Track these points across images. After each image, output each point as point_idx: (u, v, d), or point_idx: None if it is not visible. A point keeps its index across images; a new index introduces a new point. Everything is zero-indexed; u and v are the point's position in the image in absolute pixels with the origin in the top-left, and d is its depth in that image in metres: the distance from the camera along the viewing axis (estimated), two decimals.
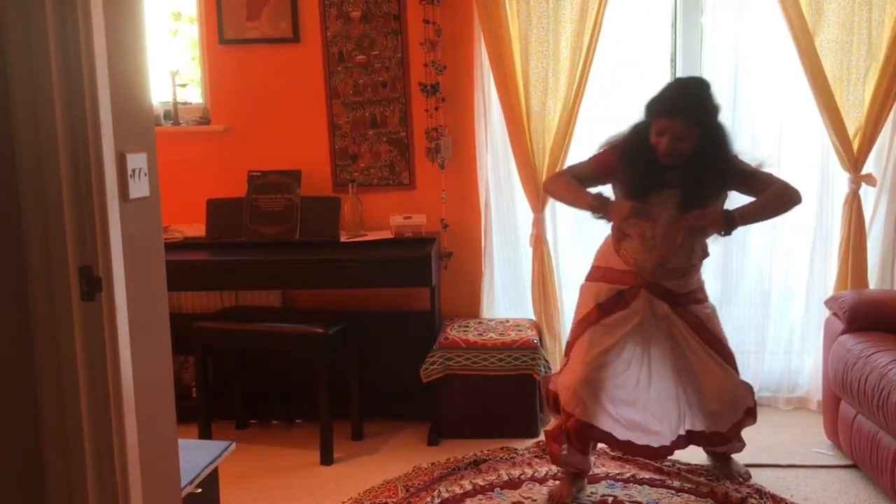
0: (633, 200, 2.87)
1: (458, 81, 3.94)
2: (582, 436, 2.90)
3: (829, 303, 3.46)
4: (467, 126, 3.97)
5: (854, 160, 3.74)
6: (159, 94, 4.01)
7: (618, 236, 3.02)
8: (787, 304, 4.01)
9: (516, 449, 3.49)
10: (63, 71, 1.60)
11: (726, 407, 2.97)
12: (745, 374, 3.94)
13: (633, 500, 3.02)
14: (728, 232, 2.90)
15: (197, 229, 3.98)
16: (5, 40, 1.61)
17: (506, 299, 4.10)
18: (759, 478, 3.19)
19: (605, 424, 2.91)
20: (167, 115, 4.05)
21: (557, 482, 3.11)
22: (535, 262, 3.92)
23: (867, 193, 3.83)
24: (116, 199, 1.71)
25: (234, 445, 2.65)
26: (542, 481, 3.18)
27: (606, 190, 3.05)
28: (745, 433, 3.52)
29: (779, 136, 3.87)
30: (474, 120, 3.95)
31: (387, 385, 3.90)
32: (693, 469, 3.26)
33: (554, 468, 3.22)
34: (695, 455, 3.34)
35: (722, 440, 3.03)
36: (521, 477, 3.23)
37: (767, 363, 3.99)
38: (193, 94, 4.20)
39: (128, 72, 1.81)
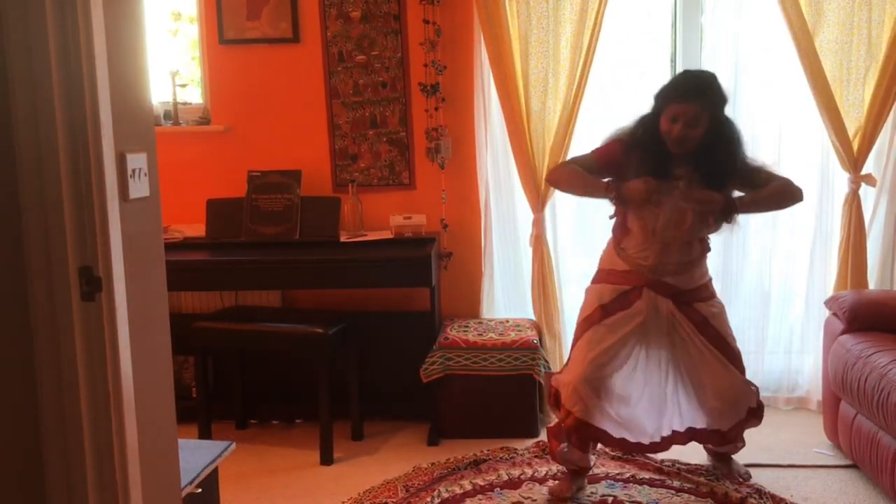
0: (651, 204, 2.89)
1: (458, 81, 3.94)
2: (580, 434, 2.91)
3: (829, 303, 3.46)
4: (467, 126, 3.97)
5: (854, 160, 3.74)
6: (159, 94, 4.01)
7: (618, 236, 3.03)
8: (787, 304, 4.01)
9: (516, 449, 3.49)
10: (63, 71, 1.60)
11: (727, 406, 2.97)
12: (746, 373, 3.96)
13: (633, 500, 3.02)
14: (728, 217, 2.88)
15: (197, 229, 3.98)
16: (5, 40, 1.61)
17: (506, 299, 4.10)
18: (759, 478, 3.19)
19: (602, 423, 2.91)
20: (167, 115, 4.05)
21: (557, 482, 3.11)
22: (535, 262, 3.92)
23: (867, 193, 3.83)
24: (116, 199, 1.71)
25: (234, 445, 2.65)
26: (542, 481, 3.18)
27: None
28: (745, 433, 3.53)
29: (779, 136, 3.87)
30: (474, 120, 3.95)
31: (387, 385, 3.90)
32: (693, 469, 3.26)
33: (554, 468, 3.22)
34: (695, 455, 3.34)
35: (721, 439, 3.03)
36: (521, 477, 3.23)
37: (767, 363, 3.99)
38: (193, 94, 4.20)
39: (128, 72, 1.81)
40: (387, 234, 3.93)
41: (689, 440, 3.07)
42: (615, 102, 3.96)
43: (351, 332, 3.70)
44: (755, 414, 3.04)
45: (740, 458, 3.26)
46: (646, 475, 3.22)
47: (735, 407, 2.98)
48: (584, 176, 2.97)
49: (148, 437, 1.84)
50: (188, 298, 4.07)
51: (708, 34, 3.94)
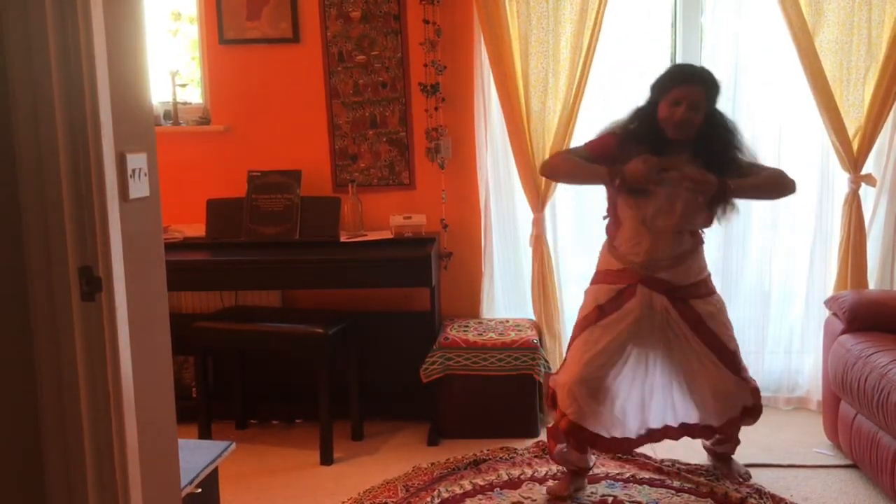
0: (635, 190, 2.85)
1: (458, 81, 3.94)
2: (574, 436, 2.90)
3: (829, 303, 3.46)
4: (467, 126, 3.97)
5: (854, 160, 3.74)
6: (159, 94, 4.01)
7: (612, 234, 3.02)
8: (787, 304, 4.01)
9: (516, 449, 3.49)
10: (63, 71, 1.60)
11: (718, 403, 2.96)
12: (749, 371, 3.96)
13: (633, 500, 3.02)
14: (721, 201, 2.86)
15: (197, 229, 3.98)
16: (5, 40, 1.61)
17: (506, 299, 4.10)
18: (759, 478, 3.19)
19: (597, 427, 2.91)
20: (167, 115, 4.05)
21: (556, 481, 3.11)
22: (535, 262, 3.92)
23: (867, 193, 3.83)
24: (116, 199, 1.71)
25: (234, 445, 2.65)
26: (541, 481, 3.18)
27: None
28: (745, 433, 3.52)
29: (779, 136, 3.87)
30: (474, 120, 3.95)
31: (387, 385, 3.90)
32: (693, 469, 3.26)
33: (554, 468, 3.22)
34: (695, 455, 3.34)
35: (713, 433, 3.04)
36: (521, 477, 3.23)
37: (767, 363, 3.99)
38: (193, 94, 4.20)
39: (128, 72, 1.81)
40: (387, 234, 3.93)
41: (682, 435, 3.08)
42: (615, 102, 3.95)
43: (351, 332, 3.70)
44: (750, 412, 3.02)
45: (740, 457, 3.26)
46: (646, 475, 3.22)
47: (726, 404, 2.97)
48: (581, 163, 2.96)
49: (148, 437, 1.84)
50: (188, 298, 4.07)
51: (708, 34, 3.94)
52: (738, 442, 3.16)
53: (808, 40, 3.67)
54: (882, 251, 3.86)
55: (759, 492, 3.07)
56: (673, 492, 3.08)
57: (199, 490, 2.39)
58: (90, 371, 1.67)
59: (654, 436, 3.05)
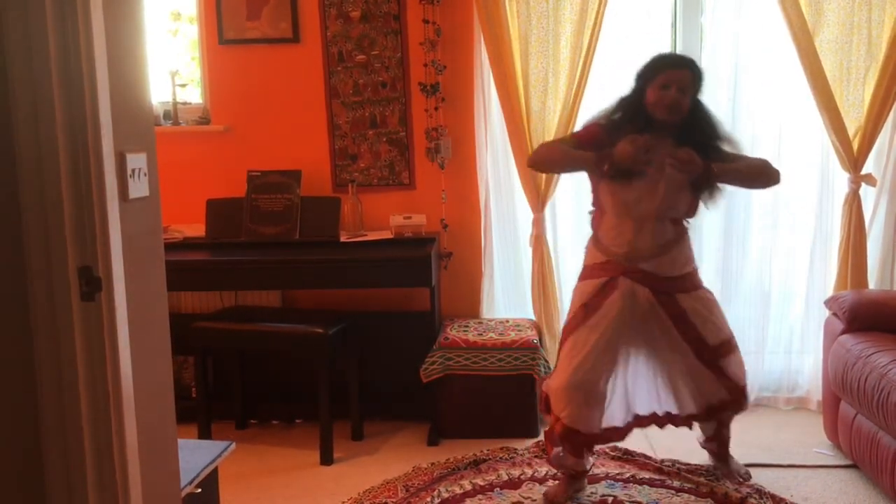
0: (622, 173, 2.82)
1: (458, 81, 3.94)
2: (569, 440, 2.89)
3: (829, 303, 3.46)
4: (467, 126, 3.97)
5: (854, 160, 3.74)
6: (159, 94, 4.01)
7: (595, 225, 3.00)
8: (787, 304, 4.01)
9: (516, 449, 3.49)
10: (63, 71, 1.60)
11: (694, 397, 2.98)
12: (740, 369, 3.95)
13: (633, 500, 3.02)
14: (705, 184, 2.85)
15: (197, 229, 3.98)
16: (5, 40, 1.61)
17: (506, 299, 4.10)
18: (759, 478, 3.19)
19: (591, 429, 2.89)
20: (167, 115, 4.05)
21: (556, 482, 3.11)
22: (535, 262, 3.92)
23: (867, 193, 3.83)
24: (116, 199, 1.71)
25: (233, 445, 2.65)
26: (541, 481, 3.18)
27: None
28: (745, 433, 3.53)
29: (779, 136, 3.87)
30: (474, 120, 3.95)
31: (387, 385, 3.90)
32: (693, 469, 3.26)
33: (554, 468, 3.21)
34: (695, 455, 3.34)
35: (688, 422, 3.05)
36: (521, 477, 3.23)
37: (767, 363, 3.99)
38: (193, 94, 4.20)
39: (128, 72, 1.81)
40: (387, 234, 3.93)
41: (668, 423, 3.08)
42: None
43: (351, 332, 3.70)
44: (728, 406, 3.01)
45: (740, 457, 3.26)
46: (646, 475, 3.22)
47: (702, 398, 2.98)
48: (569, 151, 2.95)
49: (148, 437, 1.84)
50: (188, 298, 4.07)
51: (708, 34, 3.94)
52: (727, 437, 3.14)
53: (808, 40, 3.67)
54: (882, 251, 3.86)
55: (759, 492, 3.06)
56: (673, 492, 3.08)
57: (199, 490, 2.39)
58: (90, 371, 1.67)
59: (641, 422, 3.05)
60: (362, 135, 4.04)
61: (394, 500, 3.08)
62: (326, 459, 3.49)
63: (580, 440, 2.90)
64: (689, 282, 2.99)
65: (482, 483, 3.18)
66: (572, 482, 3.03)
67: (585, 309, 2.93)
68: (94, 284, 1.65)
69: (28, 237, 1.64)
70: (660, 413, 3.06)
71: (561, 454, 2.99)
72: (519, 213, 4.00)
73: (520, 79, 3.81)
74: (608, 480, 3.17)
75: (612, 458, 3.38)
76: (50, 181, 1.61)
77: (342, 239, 3.86)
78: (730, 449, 3.21)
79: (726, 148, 2.95)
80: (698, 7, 3.95)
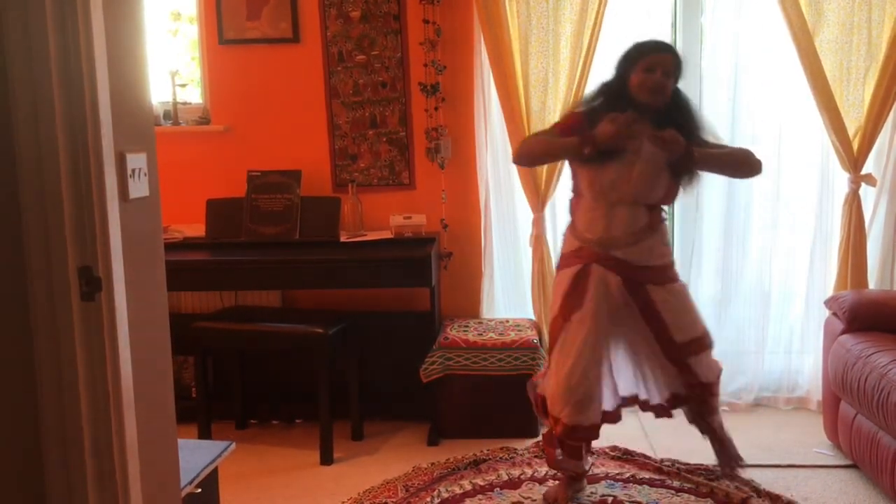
0: (604, 154, 2.78)
1: (458, 81, 3.94)
2: (572, 437, 2.87)
3: (829, 303, 3.46)
4: (467, 126, 3.97)
5: (854, 160, 3.74)
6: (159, 94, 4.01)
7: (572, 210, 2.98)
8: (787, 304, 4.01)
9: (516, 449, 3.49)
10: (63, 71, 1.60)
11: (658, 384, 2.98)
12: (745, 374, 3.97)
13: (633, 500, 3.02)
14: (686, 164, 2.80)
15: (197, 229, 3.98)
16: (5, 40, 1.61)
17: (506, 299, 4.10)
18: (759, 478, 3.19)
19: (591, 419, 2.86)
20: (167, 115, 4.05)
21: (556, 482, 3.11)
22: (535, 262, 3.92)
23: (867, 193, 3.83)
24: (116, 199, 1.71)
25: (233, 445, 2.65)
26: (541, 481, 3.18)
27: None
28: (746, 433, 3.54)
29: (779, 136, 3.87)
30: (474, 120, 3.95)
31: (387, 385, 3.90)
32: (693, 469, 3.26)
33: (553, 470, 3.21)
34: (695, 455, 3.34)
35: (664, 412, 3.03)
36: (521, 477, 3.23)
37: (767, 363, 3.99)
38: (193, 94, 4.20)
39: (128, 72, 1.81)
40: (387, 234, 3.93)
41: (647, 410, 3.07)
42: None
43: (351, 332, 3.70)
44: (691, 400, 2.97)
45: (743, 456, 3.26)
46: (646, 475, 3.22)
47: (666, 387, 2.96)
48: (552, 139, 2.94)
49: (148, 437, 1.84)
50: (188, 298, 4.07)
51: (708, 34, 3.94)
52: (724, 439, 3.10)
53: (808, 40, 3.67)
54: (882, 251, 3.86)
55: (759, 491, 3.06)
56: (673, 492, 3.08)
57: (199, 490, 2.39)
58: (90, 371, 1.67)
59: (626, 402, 3.03)
60: (362, 135, 4.04)
61: (394, 500, 3.08)
62: (326, 459, 3.49)
63: (582, 434, 2.88)
64: (663, 273, 2.93)
65: (482, 483, 3.18)
66: (572, 483, 3.03)
67: (567, 302, 2.89)
68: (94, 284, 1.65)
69: (28, 237, 1.64)
70: (641, 396, 3.04)
71: (560, 457, 2.98)
72: (519, 213, 4.00)
73: (520, 79, 3.81)
74: (608, 480, 3.17)
75: (612, 458, 3.38)
76: (50, 181, 1.61)
77: (342, 239, 3.86)
78: (733, 446, 3.16)
79: (707, 137, 2.92)
80: (698, 7, 3.95)
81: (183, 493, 2.20)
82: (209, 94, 4.10)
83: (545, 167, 3.80)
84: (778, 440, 3.58)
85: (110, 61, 1.68)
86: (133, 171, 1.79)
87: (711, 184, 3.92)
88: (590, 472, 3.12)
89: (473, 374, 3.64)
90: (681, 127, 2.83)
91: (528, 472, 3.27)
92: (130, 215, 1.79)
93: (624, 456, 3.39)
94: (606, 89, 2.92)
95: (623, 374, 3.02)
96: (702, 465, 3.28)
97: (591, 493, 3.05)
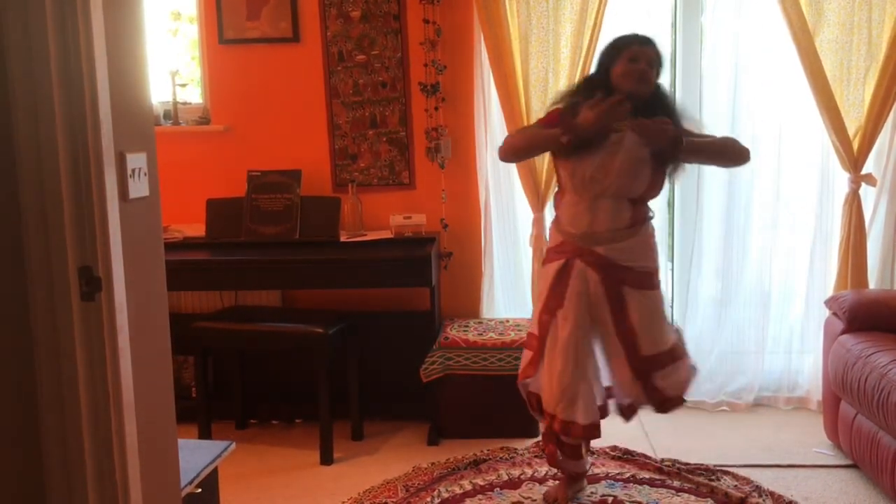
0: (584, 145, 2.74)
1: (458, 81, 3.94)
2: (570, 434, 2.83)
3: (829, 303, 3.46)
4: (467, 126, 3.97)
5: (854, 160, 3.74)
6: (159, 94, 4.01)
7: (556, 205, 2.96)
8: (787, 304, 4.01)
9: (516, 449, 3.49)
10: (63, 71, 1.60)
11: (623, 390, 2.92)
12: (745, 374, 3.97)
13: (633, 500, 3.02)
14: (674, 149, 2.74)
15: (197, 229, 3.98)
16: (5, 40, 1.61)
17: (506, 299, 4.10)
18: (759, 478, 3.19)
19: (587, 418, 2.82)
20: (167, 115, 4.05)
21: (556, 482, 3.11)
22: (535, 261, 3.92)
23: (867, 193, 3.83)
24: (116, 199, 1.71)
25: (233, 445, 2.65)
26: (541, 481, 3.18)
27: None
28: (746, 432, 3.54)
29: (779, 136, 3.87)
30: (474, 120, 3.95)
31: (387, 385, 3.90)
32: (693, 469, 3.26)
33: (553, 468, 3.21)
34: (695, 455, 3.34)
35: (633, 411, 2.98)
36: (521, 477, 3.23)
37: (767, 363, 3.99)
38: (193, 94, 4.20)
39: (128, 72, 1.81)
40: (387, 234, 3.93)
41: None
42: None
43: (351, 332, 3.70)
44: (645, 406, 2.91)
45: (739, 456, 3.26)
46: (646, 475, 3.22)
47: (627, 395, 2.91)
48: (534, 131, 2.92)
49: (148, 436, 1.84)
50: (188, 298, 4.07)
51: (708, 34, 3.94)
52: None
53: (809, 40, 3.67)
54: (882, 251, 3.86)
55: (760, 491, 3.06)
56: (673, 492, 3.08)
57: (199, 490, 2.39)
58: (90, 371, 1.67)
59: (608, 392, 2.99)
60: (362, 135, 4.04)
61: (394, 500, 3.08)
62: (326, 459, 3.49)
63: (581, 433, 2.83)
64: (644, 279, 2.85)
65: (482, 483, 3.18)
66: (572, 482, 3.03)
67: (551, 298, 2.86)
68: (94, 284, 1.65)
69: (28, 237, 1.64)
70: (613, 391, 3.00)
71: (559, 457, 2.97)
72: (519, 212, 4.00)
73: (520, 79, 3.81)
74: (608, 480, 3.17)
75: (612, 458, 3.38)
76: (50, 181, 1.61)
77: (342, 239, 3.86)
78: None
79: (690, 128, 2.88)
80: (698, 7, 3.95)
81: (183, 493, 2.20)
82: (209, 93, 4.10)
83: (545, 167, 3.80)
84: (778, 440, 3.58)
85: (110, 61, 1.68)
86: (133, 170, 1.80)
87: (712, 184, 3.94)
88: (589, 472, 3.12)
89: (473, 373, 3.64)
90: (664, 115, 2.79)
91: (529, 471, 3.27)
92: (130, 215, 1.79)
93: (624, 456, 3.39)
94: (588, 83, 2.90)
95: (603, 367, 2.95)
96: (702, 464, 3.28)
97: (591, 493, 3.06)
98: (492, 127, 3.94)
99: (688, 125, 2.88)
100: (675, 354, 2.89)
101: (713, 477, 3.18)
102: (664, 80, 3.82)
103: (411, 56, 3.95)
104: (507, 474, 3.25)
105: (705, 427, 3.76)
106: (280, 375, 3.98)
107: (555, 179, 3.81)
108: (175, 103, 4.03)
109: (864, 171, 3.78)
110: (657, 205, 3.91)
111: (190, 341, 3.59)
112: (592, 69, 2.93)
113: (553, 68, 3.80)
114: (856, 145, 3.74)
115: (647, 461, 3.34)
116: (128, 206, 1.78)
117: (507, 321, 3.94)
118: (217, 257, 3.79)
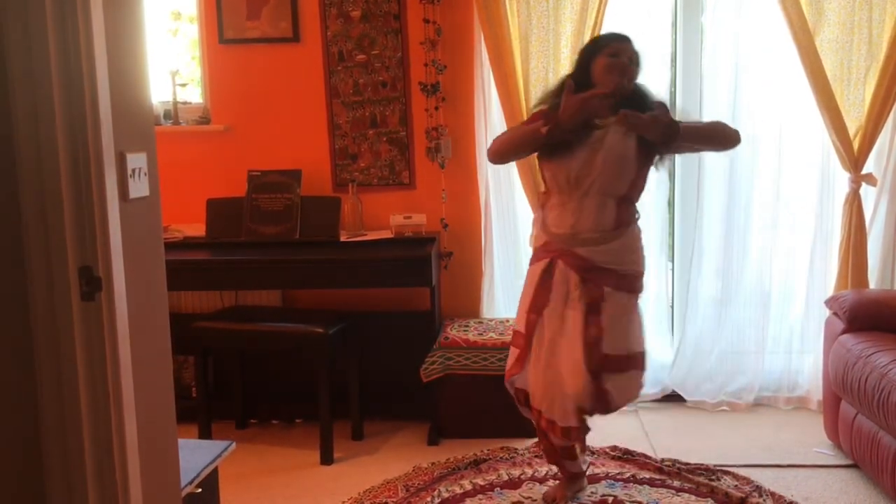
0: (566, 141, 2.71)
1: (458, 81, 3.94)
2: (552, 432, 2.82)
3: (830, 302, 3.46)
4: (467, 126, 3.97)
5: (854, 160, 3.74)
6: (159, 93, 4.01)
7: (542, 204, 2.96)
8: (787, 304, 4.01)
9: (516, 449, 3.49)
10: (63, 71, 1.60)
11: (553, 394, 2.82)
12: (745, 374, 3.97)
13: (633, 500, 3.02)
14: (671, 134, 2.67)
15: (197, 229, 3.98)
16: (5, 40, 1.61)
17: (506, 299, 4.09)
18: (759, 477, 3.19)
19: (566, 421, 2.79)
20: (167, 115, 4.05)
21: (556, 482, 3.11)
22: None
23: (867, 193, 3.83)
24: (116, 199, 1.71)
25: (234, 445, 2.65)
26: (542, 481, 3.18)
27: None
28: (746, 432, 3.54)
29: (779, 136, 3.87)
30: (474, 119, 3.95)
31: (387, 385, 3.90)
32: (693, 469, 3.26)
33: (554, 468, 3.21)
34: (695, 455, 3.34)
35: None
36: (521, 477, 3.23)
37: (767, 363, 3.99)
38: (193, 94, 4.20)
39: (128, 72, 1.81)
40: (387, 234, 3.93)
41: None
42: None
43: (351, 332, 3.70)
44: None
45: (743, 456, 3.25)
46: (646, 475, 3.22)
47: (558, 400, 2.81)
48: (519, 128, 2.92)
49: (148, 436, 1.84)
50: (188, 298, 4.07)
51: (708, 34, 3.94)
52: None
53: (809, 40, 3.67)
54: (882, 251, 3.86)
55: (760, 491, 3.06)
56: (673, 492, 3.08)
57: (199, 490, 2.39)
58: (90, 371, 1.67)
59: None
60: (362, 134, 4.03)
61: (394, 499, 3.08)
62: (326, 459, 3.49)
63: (557, 431, 2.81)
64: (629, 282, 2.81)
65: (482, 483, 3.18)
66: (572, 482, 3.03)
67: (537, 298, 2.85)
68: (94, 284, 1.65)
69: (28, 237, 1.64)
70: None
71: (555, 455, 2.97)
72: (519, 212, 4.00)
73: (520, 78, 3.81)
74: (608, 480, 3.17)
75: (613, 457, 3.38)
76: (50, 181, 1.61)
77: (342, 239, 3.86)
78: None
79: (676, 118, 2.81)
80: (698, 7, 3.95)
81: (183, 493, 2.20)
82: (209, 93, 4.10)
83: None
84: (778, 440, 3.58)
85: (110, 61, 1.68)
86: (133, 170, 1.79)
87: (712, 184, 3.94)
88: (589, 472, 3.12)
89: (474, 373, 3.64)
90: (644, 110, 2.73)
91: (529, 471, 3.27)
92: (130, 215, 1.79)
93: (624, 456, 3.39)
94: (570, 78, 2.85)
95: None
96: (702, 464, 3.28)
97: (592, 493, 3.05)
98: (492, 127, 3.94)
99: (673, 115, 2.86)
100: (633, 363, 2.81)
101: (713, 477, 3.18)
102: (664, 80, 3.90)
103: (411, 56, 3.95)
104: (507, 474, 3.25)
105: (705, 427, 3.76)
106: (280, 375, 3.98)
107: None
108: (175, 103, 4.03)
109: (864, 171, 3.78)
110: (657, 205, 3.97)
111: (190, 341, 3.59)
112: (573, 68, 2.90)
113: (553, 68, 3.80)
114: (856, 145, 3.73)
115: (647, 461, 3.34)
116: (128, 206, 1.78)
117: (508, 321, 3.93)
118: (217, 257, 3.79)
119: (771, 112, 3.87)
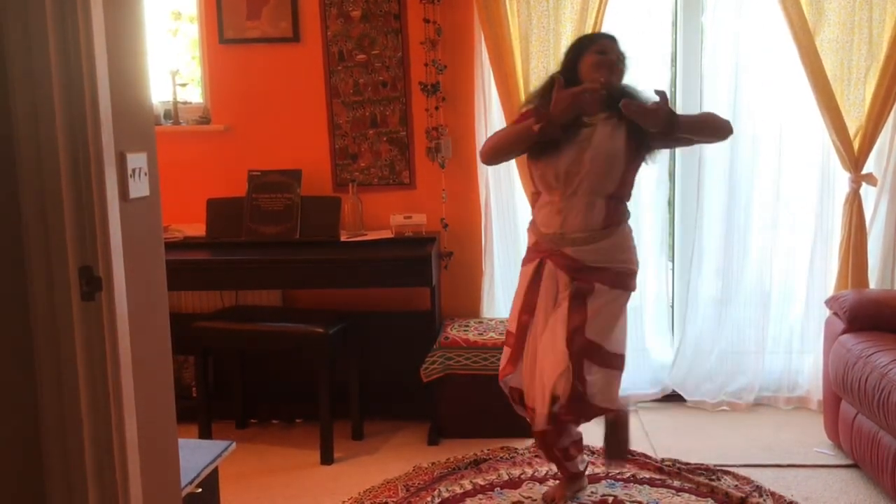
0: (557, 139, 2.71)
1: (459, 81, 3.94)
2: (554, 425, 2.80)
3: (830, 302, 3.46)
4: (467, 125, 3.97)
5: (854, 160, 3.74)
6: (159, 93, 4.01)
7: (532, 205, 2.96)
8: (787, 304, 4.01)
9: (516, 448, 3.49)
10: (63, 71, 1.60)
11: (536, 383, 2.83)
12: (745, 374, 3.97)
13: (633, 499, 3.02)
14: (669, 125, 2.65)
15: (197, 229, 3.98)
16: (5, 40, 1.61)
17: (506, 299, 4.08)
18: (759, 477, 3.19)
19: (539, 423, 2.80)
20: (167, 115, 4.05)
21: (556, 482, 3.11)
22: None
23: (868, 193, 3.83)
24: (116, 198, 1.71)
25: (234, 445, 2.65)
26: (542, 481, 3.18)
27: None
28: (746, 432, 3.53)
29: (779, 136, 3.87)
30: (474, 119, 3.95)
31: (387, 385, 3.90)
32: (693, 469, 3.26)
33: (554, 468, 3.21)
34: (695, 455, 3.34)
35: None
36: (522, 476, 3.23)
37: (767, 363, 3.99)
38: (193, 94, 4.20)
39: (128, 72, 1.81)
40: (387, 234, 3.93)
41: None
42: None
43: (351, 332, 3.70)
44: (563, 408, 2.75)
45: (743, 456, 3.25)
46: (646, 475, 3.22)
47: (539, 386, 2.80)
48: (509, 128, 2.92)
49: (148, 436, 1.84)
50: (188, 298, 4.07)
51: (708, 34, 3.94)
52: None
53: (809, 39, 3.67)
54: (883, 251, 3.86)
55: (760, 491, 3.06)
56: (673, 492, 3.08)
57: (200, 490, 2.39)
58: (90, 371, 1.67)
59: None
60: (363, 134, 4.03)
61: (394, 499, 3.08)
62: (326, 459, 3.49)
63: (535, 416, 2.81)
64: (621, 279, 2.80)
65: (482, 482, 3.18)
66: (572, 482, 3.03)
67: (528, 297, 2.86)
68: (94, 284, 1.65)
69: (28, 237, 1.64)
70: None
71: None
72: (519, 212, 4.00)
73: (520, 78, 3.81)
74: (608, 480, 3.17)
75: None
76: (50, 181, 1.61)
77: (342, 238, 3.86)
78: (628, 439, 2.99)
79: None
80: (699, 6, 3.95)
81: (183, 493, 2.20)
82: (209, 93, 4.10)
83: None
84: (778, 440, 3.58)
85: (110, 61, 1.68)
86: (133, 170, 1.79)
87: (712, 183, 3.93)
88: (588, 472, 3.12)
89: (474, 373, 3.64)
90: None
91: (529, 471, 3.27)
92: (130, 215, 1.79)
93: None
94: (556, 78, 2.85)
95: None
96: (702, 464, 3.28)
97: (592, 492, 3.06)
98: (492, 127, 3.93)
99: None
100: (615, 361, 2.80)
101: (713, 477, 3.18)
102: (664, 79, 3.90)
103: (412, 55, 3.95)
104: (507, 474, 3.25)
105: (705, 427, 3.76)
106: (280, 375, 3.98)
107: None
108: (175, 103, 4.03)
109: (864, 171, 3.78)
110: (657, 205, 3.97)
111: (190, 341, 3.59)
112: (560, 66, 2.89)
113: (553, 68, 3.79)
114: (856, 145, 3.73)
115: (648, 461, 3.34)
116: (128, 206, 1.78)
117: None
118: (217, 257, 3.79)
119: (771, 112, 3.87)
